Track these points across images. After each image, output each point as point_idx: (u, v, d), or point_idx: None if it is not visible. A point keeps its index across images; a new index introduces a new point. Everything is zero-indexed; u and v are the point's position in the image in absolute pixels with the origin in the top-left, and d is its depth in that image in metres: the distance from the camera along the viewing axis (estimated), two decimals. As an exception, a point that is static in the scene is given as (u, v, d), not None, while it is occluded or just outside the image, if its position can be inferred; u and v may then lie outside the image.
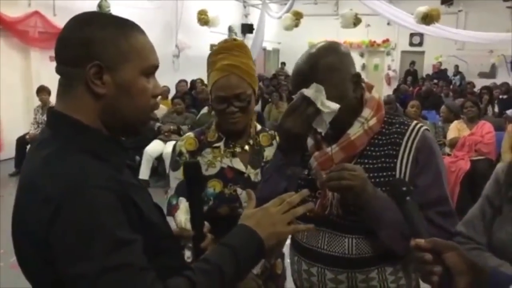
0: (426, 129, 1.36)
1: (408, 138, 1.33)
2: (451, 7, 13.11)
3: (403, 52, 16.70)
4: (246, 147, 1.70)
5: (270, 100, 8.77)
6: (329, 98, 1.27)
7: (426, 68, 16.08)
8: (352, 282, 1.34)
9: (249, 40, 14.62)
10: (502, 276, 1.01)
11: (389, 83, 15.99)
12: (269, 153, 1.67)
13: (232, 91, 1.58)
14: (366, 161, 1.34)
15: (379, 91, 1.27)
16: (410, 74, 15.19)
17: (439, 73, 15.21)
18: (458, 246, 1.04)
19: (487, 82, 12.66)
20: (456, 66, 15.21)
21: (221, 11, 11.95)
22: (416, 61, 15.84)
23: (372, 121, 1.35)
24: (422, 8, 9.50)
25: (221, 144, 1.69)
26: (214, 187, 1.64)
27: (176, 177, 1.65)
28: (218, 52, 1.64)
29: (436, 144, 1.40)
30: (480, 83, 12.25)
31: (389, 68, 16.90)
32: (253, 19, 14.79)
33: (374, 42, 16.65)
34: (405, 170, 1.31)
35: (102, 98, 0.98)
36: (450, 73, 15.42)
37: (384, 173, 1.31)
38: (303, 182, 1.40)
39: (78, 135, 0.97)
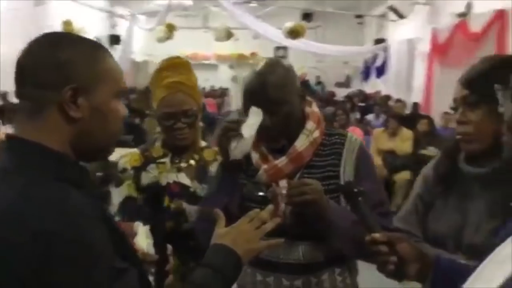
0: (360, 140, 1.51)
1: (348, 148, 1.46)
2: (310, 22, 14.17)
3: (269, 64, 17.53)
4: (192, 162, 1.71)
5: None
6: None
7: (291, 79, 17.11)
8: (307, 286, 1.41)
9: (116, 51, 14.07)
10: (444, 261, 1.17)
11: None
12: (213, 168, 1.69)
13: (180, 107, 1.61)
14: (312, 171, 1.43)
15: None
16: (277, 85, 16.01)
17: (303, 83, 16.32)
18: (408, 238, 1.18)
19: (345, 91, 14.08)
20: (317, 77, 16.52)
21: (87, 22, 11.35)
22: (282, 73, 16.76)
23: (316, 133, 1.44)
24: (289, 24, 10.23)
25: (167, 160, 1.69)
26: None
27: (119, 194, 1.62)
28: (163, 69, 1.65)
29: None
30: (338, 92, 13.57)
31: (257, 80, 17.58)
32: (122, 30, 14.29)
33: (243, 54, 17.23)
34: (348, 178, 1.42)
35: (76, 122, 0.92)
36: (311, 83, 16.68)
37: (331, 181, 1.41)
38: (252, 197, 1.44)
39: (52, 163, 0.89)
